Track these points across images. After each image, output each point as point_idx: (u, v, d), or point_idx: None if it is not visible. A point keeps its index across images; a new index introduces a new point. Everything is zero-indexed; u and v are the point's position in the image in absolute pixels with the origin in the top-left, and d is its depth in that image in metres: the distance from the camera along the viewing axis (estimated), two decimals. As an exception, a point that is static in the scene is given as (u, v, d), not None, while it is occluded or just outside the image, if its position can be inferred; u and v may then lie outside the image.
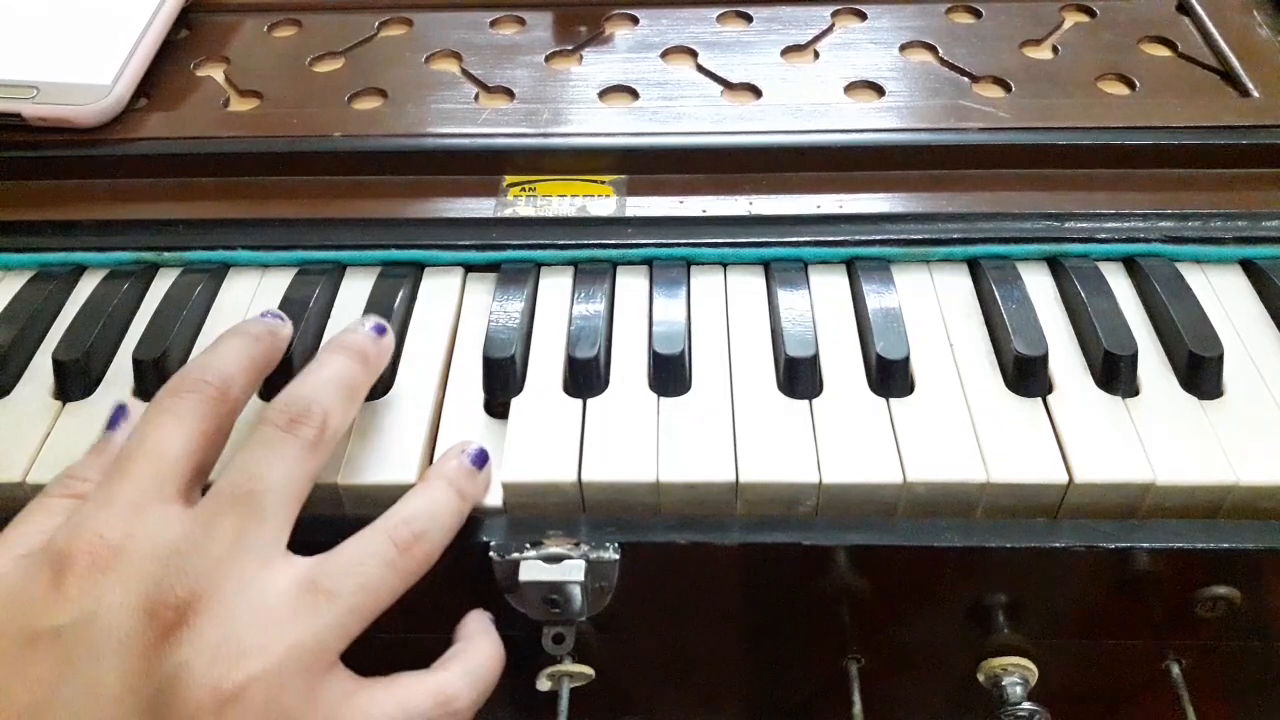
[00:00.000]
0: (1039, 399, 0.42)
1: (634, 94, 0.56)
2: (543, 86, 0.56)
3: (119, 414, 0.39)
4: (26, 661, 0.31)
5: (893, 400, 0.42)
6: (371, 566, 0.34)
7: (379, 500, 0.39)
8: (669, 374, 0.42)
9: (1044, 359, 0.42)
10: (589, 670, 0.43)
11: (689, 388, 0.42)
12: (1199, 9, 0.59)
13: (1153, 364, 0.43)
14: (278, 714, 0.32)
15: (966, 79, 0.56)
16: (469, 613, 0.41)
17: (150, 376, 0.43)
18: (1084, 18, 0.60)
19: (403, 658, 0.36)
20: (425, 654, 0.38)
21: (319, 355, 0.39)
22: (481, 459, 0.39)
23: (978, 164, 0.51)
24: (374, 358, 0.40)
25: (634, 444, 0.40)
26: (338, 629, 0.33)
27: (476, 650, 0.38)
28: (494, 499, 0.40)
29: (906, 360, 0.42)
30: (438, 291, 0.47)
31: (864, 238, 0.48)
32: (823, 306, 0.45)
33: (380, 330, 0.41)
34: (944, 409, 0.41)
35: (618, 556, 0.39)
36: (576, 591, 0.39)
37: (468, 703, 0.36)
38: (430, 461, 0.41)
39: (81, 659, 0.31)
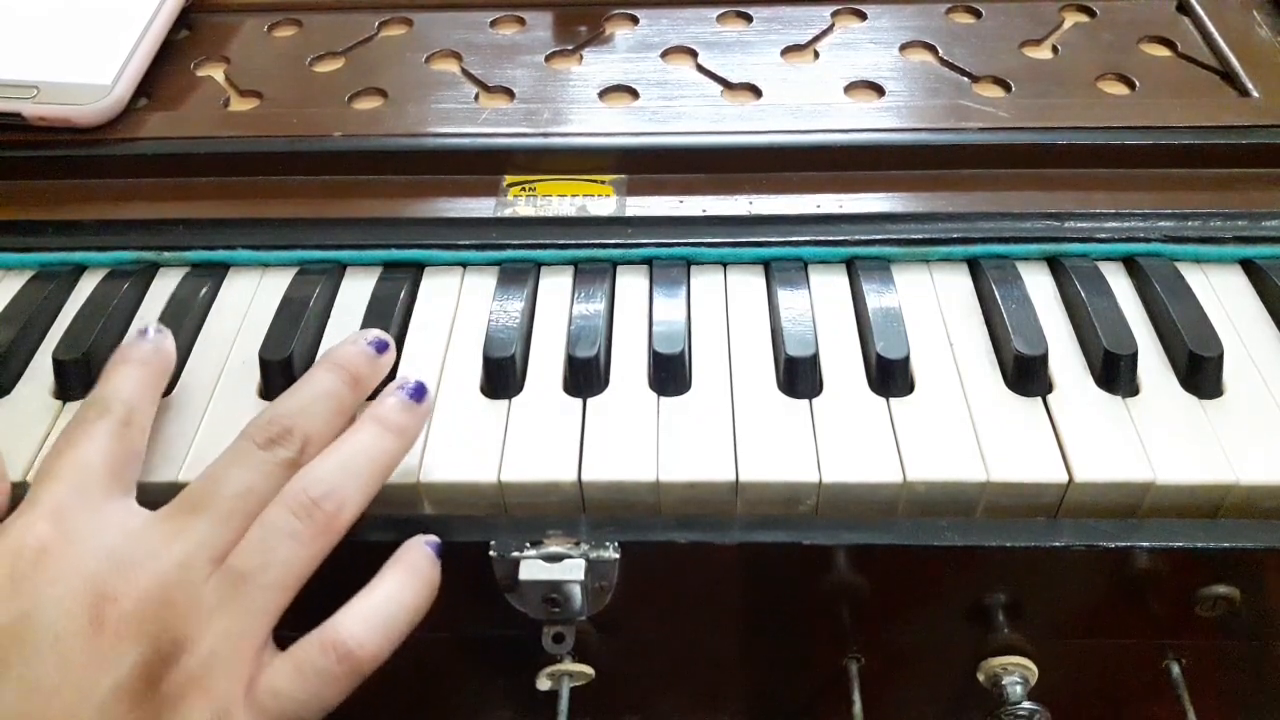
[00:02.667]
0: (1039, 398, 0.42)
1: (634, 94, 0.56)
2: (543, 86, 0.56)
3: None
4: None
5: (893, 400, 0.42)
6: (274, 541, 0.34)
7: (375, 500, 0.39)
8: (669, 374, 0.42)
9: (1044, 359, 0.42)
10: (589, 670, 0.43)
11: (689, 387, 0.42)
12: (1199, 9, 0.59)
13: (1153, 364, 0.43)
14: (212, 700, 0.32)
15: (966, 79, 0.56)
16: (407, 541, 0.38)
17: (150, 376, 0.43)
18: (1084, 18, 0.60)
19: (403, 657, 0.36)
20: (425, 654, 0.38)
21: (312, 369, 0.39)
22: (420, 392, 0.39)
23: (978, 164, 0.51)
24: (367, 377, 0.40)
25: (634, 443, 0.40)
26: (257, 611, 0.34)
27: (382, 588, 0.36)
28: (489, 474, 0.40)
29: (906, 360, 0.42)
30: (438, 291, 0.47)
31: (864, 237, 0.48)
32: (823, 306, 0.45)
33: (381, 347, 0.41)
34: (944, 408, 0.41)
35: (618, 556, 0.39)
36: (576, 591, 0.39)
37: (370, 648, 0.34)
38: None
39: (19, 654, 0.32)
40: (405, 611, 0.36)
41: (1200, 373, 0.42)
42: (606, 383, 0.43)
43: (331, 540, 0.35)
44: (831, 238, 0.48)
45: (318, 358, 0.40)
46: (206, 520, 0.35)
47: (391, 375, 0.43)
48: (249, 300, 0.47)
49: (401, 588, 0.36)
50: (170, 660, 0.32)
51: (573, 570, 0.38)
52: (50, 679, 0.31)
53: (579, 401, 0.42)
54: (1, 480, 0.38)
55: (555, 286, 0.47)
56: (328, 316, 0.46)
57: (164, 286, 0.48)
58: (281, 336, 0.44)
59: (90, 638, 0.32)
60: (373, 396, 0.42)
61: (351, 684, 0.34)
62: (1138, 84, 0.55)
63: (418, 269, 0.48)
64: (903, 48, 0.58)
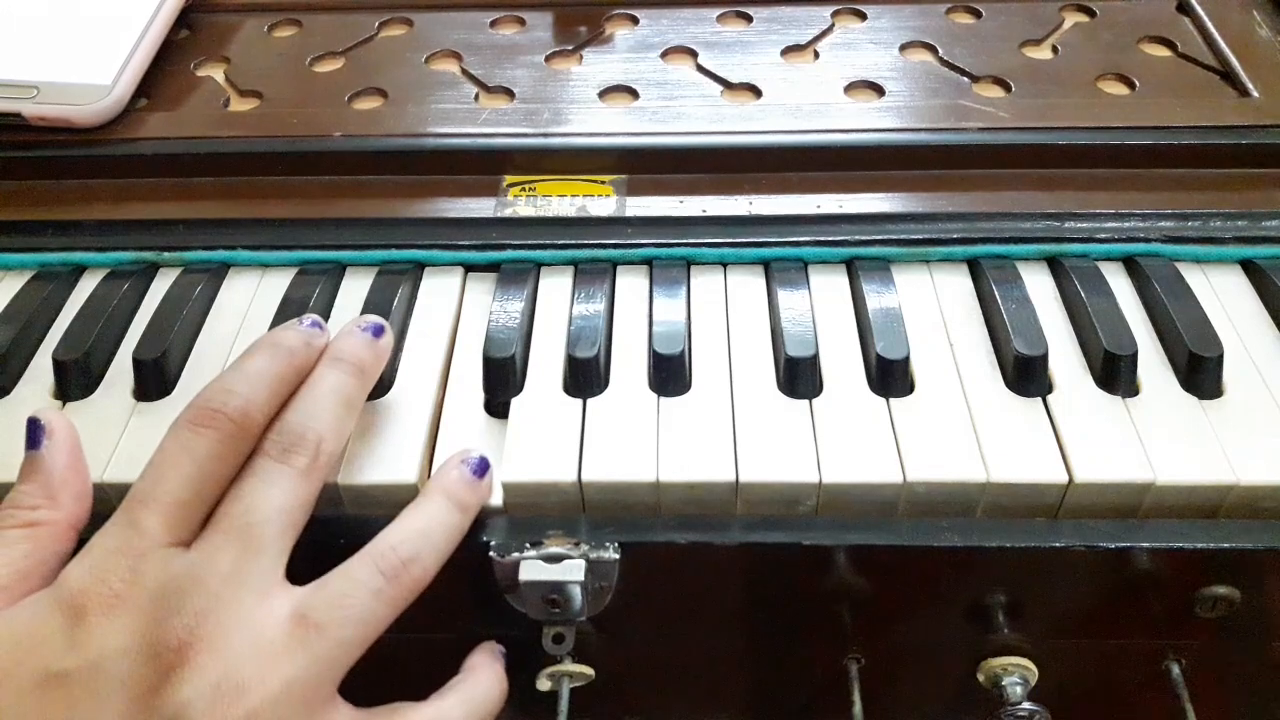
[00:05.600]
0: (1039, 399, 0.42)
1: (634, 94, 0.56)
2: (543, 86, 0.56)
3: (36, 429, 0.37)
4: (37, 705, 0.32)
5: (893, 400, 0.42)
6: (358, 598, 0.34)
7: (378, 500, 0.39)
8: (669, 374, 0.42)
9: (1044, 359, 0.42)
10: (589, 670, 0.43)
11: (689, 387, 0.42)
12: (1199, 9, 0.59)
13: (1153, 364, 0.43)
14: None
15: (966, 79, 0.56)
16: (479, 645, 0.42)
17: (150, 376, 0.43)
18: (1084, 18, 0.60)
19: (403, 657, 0.36)
20: (425, 653, 0.38)
21: (315, 369, 0.39)
22: (483, 468, 0.39)
23: (978, 164, 0.51)
24: (370, 364, 0.40)
25: (634, 444, 0.40)
26: (329, 662, 0.34)
27: (476, 682, 0.39)
28: (494, 499, 0.40)
29: (906, 360, 0.42)
30: (438, 291, 0.47)
31: (864, 238, 0.47)
32: (823, 306, 0.45)
33: (377, 331, 0.41)
34: (944, 409, 0.41)
35: (618, 556, 0.39)
36: (576, 591, 0.39)
37: None
38: (430, 461, 0.41)
39: (88, 702, 0.32)
40: (489, 713, 0.39)
41: (1200, 373, 0.42)
42: (606, 383, 0.43)
43: (407, 602, 0.35)
44: (831, 238, 0.48)
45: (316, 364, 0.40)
46: (246, 554, 0.34)
47: (392, 368, 0.43)
48: (249, 300, 0.47)
49: (489, 689, 0.39)
50: (233, 702, 0.32)
51: (573, 571, 0.38)
52: None
53: (579, 402, 0.42)
54: (84, 480, 0.37)
55: (555, 286, 0.47)
56: (327, 317, 0.46)
57: (164, 287, 0.48)
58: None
59: (150, 683, 0.32)
60: (373, 396, 0.42)
61: None
62: (1138, 84, 0.55)
63: (418, 269, 0.48)
64: (903, 48, 0.58)
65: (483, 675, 0.40)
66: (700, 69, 0.57)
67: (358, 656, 0.34)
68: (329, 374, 0.38)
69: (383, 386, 0.43)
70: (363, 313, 0.45)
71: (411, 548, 0.36)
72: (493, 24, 0.62)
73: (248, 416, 0.36)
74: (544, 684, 0.43)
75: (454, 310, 0.46)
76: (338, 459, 0.38)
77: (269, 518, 0.35)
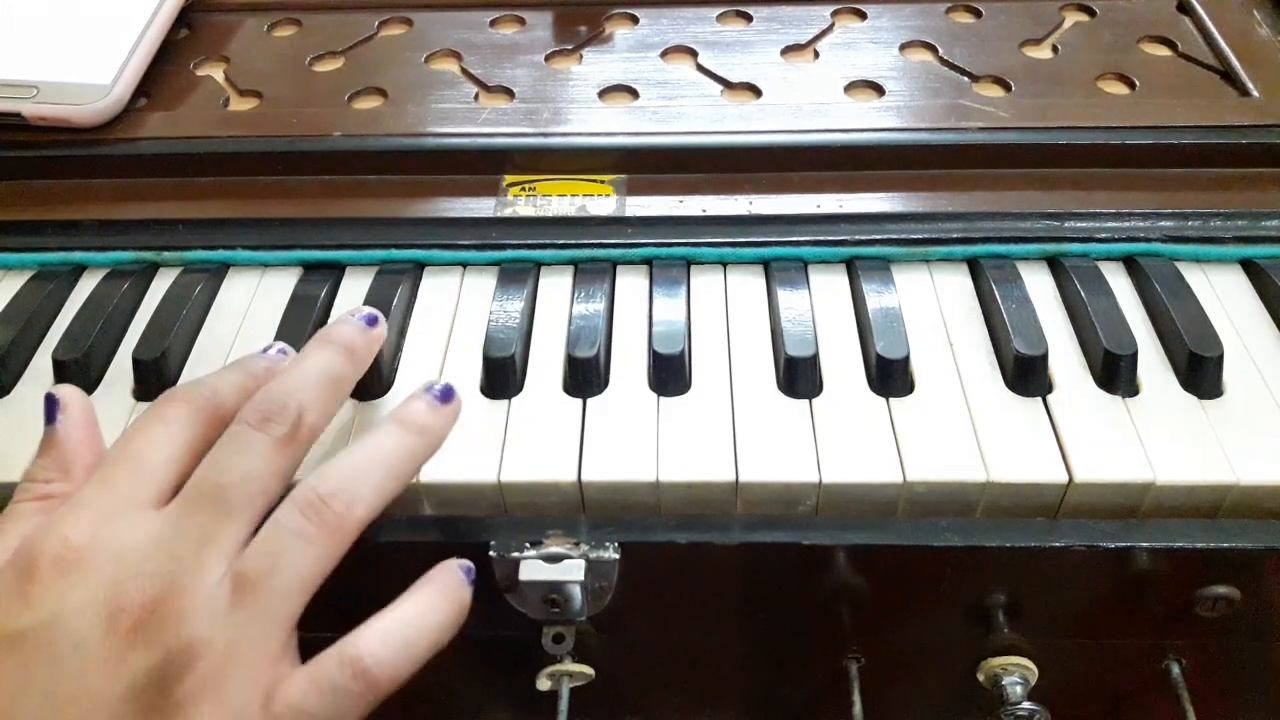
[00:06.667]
0: (1039, 399, 0.42)
1: (634, 93, 0.56)
2: (543, 86, 0.56)
3: (52, 405, 0.37)
4: None
5: (892, 400, 0.42)
6: (285, 545, 0.33)
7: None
8: (669, 374, 0.42)
9: (1044, 359, 0.42)
10: (589, 670, 0.43)
11: (689, 387, 0.42)
12: (1199, 9, 0.59)
13: (1153, 364, 0.43)
14: (226, 709, 0.32)
15: (966, 79, 0.56)
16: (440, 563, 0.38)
17: (150, 376, 0.43)
18: (1084, 17, 0.60)
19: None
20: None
21: (304, 348, 0.39)
22: (447, 394, 0.38)
23: (978, 164, 0.51)
24: (361, 349, 0.39)
25: (634, 444, 0.40)
26: (269, 618, 0.33)
27: (407, 606, 0.35)
28: (489, 475, 0.40)
29: (906, 360, 0.42)
30: (437, 291, 0.47)
31: (864, 237, 0.47)
32: (823, 306, 0.45)
33: (371, 320, 0.40)
34: (944, 409, 0.41)
35: (618, 556, 0.39)
36: (576, 591, 0.39)
37: (388, 668, 0.33)
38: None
39: (42, 662, 0.31)
40: (428, 632, 0.35)
41: (1200, 373, 0.42)
42: (606, 383, 0.43)
43: (343, 540, 0.34)
44: (831, 237, 0.48)
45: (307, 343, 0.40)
46: (213, 517, 0.34)
47: (392, 368, 0.43)
48: (249, 300, 0.47)
49: (427, 608, 0.35)
50: (184, 667, 0.31)
51: (573, 571, 0.38)
52: (68, 688, 0.31)
53: (579, 402, 0.42)
54: (98, 454, 0.37)
55: (555, 286, 0.47)
56: (328, 317, 0.46)
57: (164, 287, 0.48)
58: (281, 337, 0.44)
59: (106, 645, 0.31)
60: (373, 396, 0.42)
61: (370, 702, 0.33)
62: (1138, 84, 0.55)
63: (418, 269, 0.48)
64: (903, 47, 0.58)
65: (427, 592, 0.36)
66: (700, 69, 0.57)
67: (303, 604, 0.33)
68: (318, 352, 0.38)
69: (382, 386, 0.43)
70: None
71: (334, 484, 0.34)
72: (493, 23, 0.62)
73: (217, 394, 0.37)
74: (544, 684, 0.43)
75: (454, 310, 0.46)
76: (318, 435, 0.37)
77: (237, 482, 0.34)
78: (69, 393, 0.38)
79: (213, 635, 0.32)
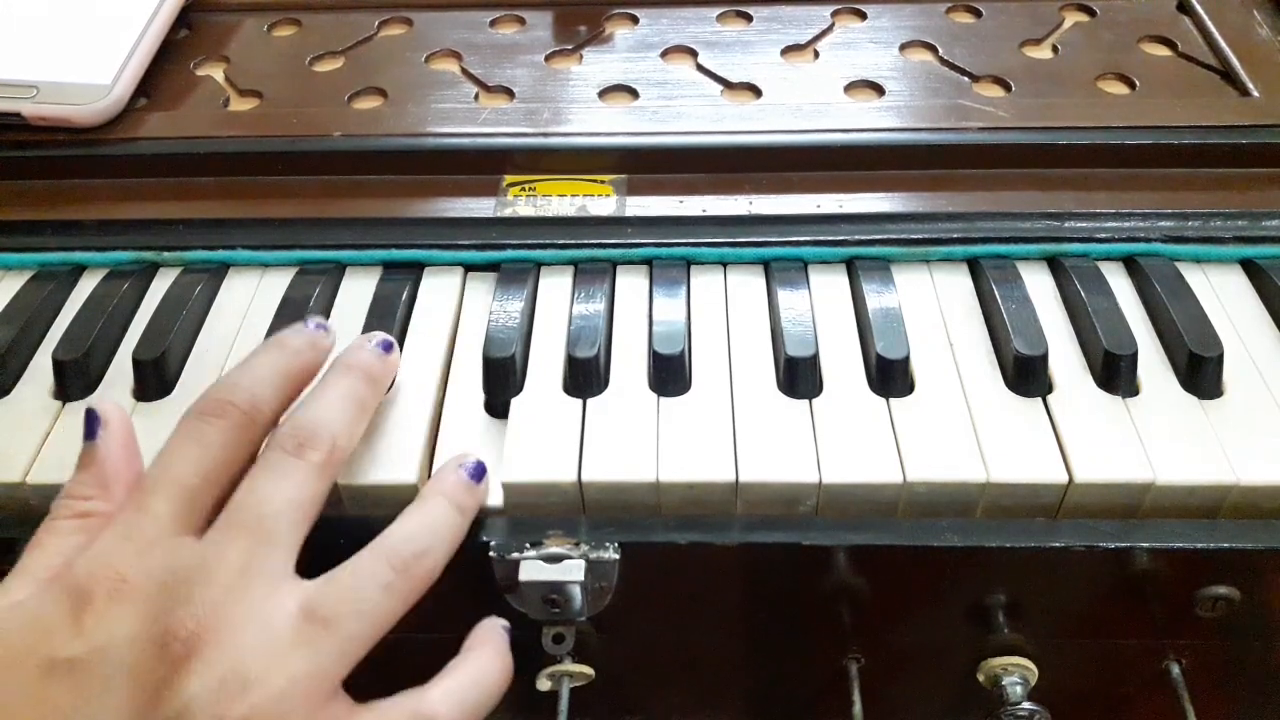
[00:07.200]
0: (1039, 399, 0.42)
1: (634, 94, 0.56)
2: (543, 86, 0.56)
3: (93, 420, 0.37)
4: (43, 691, 0.32)
5: (893, 400, 0.42)
6: (368, 592, 0.34)
7: (379, 500, 0.39)
8: (669, 374, 0.42)
9: (1044, 359, 0.42)
10: (589, 670, 0.43)
11: (689, 387, 0.42)
12: (1199, 9, 0.59)
13: (1153, 364, 0.43)
14: None
15: (966, 79, 0.56)
16: (481, 621, 0.40)
17: (150, 376, 0.43)
18: (1084, 17, 0.60)
19: (403, 657, 0.36)
20: (425, 653, 0.38)
21: (326, 375, 0.39)
22: (479, 472, 0.39)
23: (978, 164, 0.51)
24: (380, 375, 0.40)
25: (634, 444, 0.40)
26: (336, 657, 0.33)
27: (468, 667, 0.37)
28: (494, 500, 0.40)
29: (906, 360, 0.42)
30: (438, 291, 0.47)
31: (864, 237, 0.47)
32: (823, 306, 0.45)
33: (386, 347, 0.41)
34: (944, 409, 0.41)
35: (618, 556, 0.39)
36: (576, 591, 0.39)
37: None
38: (430, 461, 0.41)
39: (94, 690, 0.32)
40: (487, 694, 0.37)
41: (1200, 373, 0.42)
42: (606, 383, 0.43)
43: (416, 597, 0.35)
44: (831, 238, 0.48)
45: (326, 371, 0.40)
46: (258, 545, 0.34)
47: (391, 380, 0.43)
48: (249, 300, 0.47)
49: (487, 670, 0.37)
50: (238, 696, 0.31)
51: (573, 571, 0.38)
52: (121, 715, 0.31)
53: (579, 402, 0.42)
54: (137, 471, 0.37)
55: (555, 286, 0.47)
56: (328, 317, 0.46)
57: (164, 287, 0.48)
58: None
59: (158, 673, 0.31)
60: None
61: None
62: (1138, 84, 0.55)
63: (418, 269, 0.48)
64: (903, 47, 0.58)
65: (477, 658, 0.38)
66: (700, 69, 0.57)
67: (365, 651, 0.34)
68: (342, 379, 0.39)
69: (383, 386, 0.43)
70: (365, 313, 0.45)
71: (421, 543, 0.36)
72: (493, 23, 0.62)
73: (256, 408, 0.37)
74: (544, 684, 0.43)
75: (454, 310, 0.46)
76: (347, 458, 0.38)
77: (281, 510, 0.35)
78: (110, 409, 0.38)
79: (269, 666, 0.32)
